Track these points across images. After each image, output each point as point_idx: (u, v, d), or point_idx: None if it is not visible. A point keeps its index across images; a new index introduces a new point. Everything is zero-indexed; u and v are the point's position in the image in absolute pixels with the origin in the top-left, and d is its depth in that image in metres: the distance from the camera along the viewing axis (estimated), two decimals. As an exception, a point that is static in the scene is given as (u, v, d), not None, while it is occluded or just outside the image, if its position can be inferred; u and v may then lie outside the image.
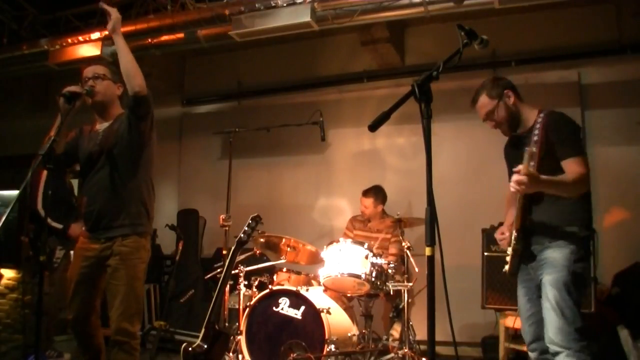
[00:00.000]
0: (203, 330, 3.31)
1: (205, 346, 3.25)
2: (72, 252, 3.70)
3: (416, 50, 5.44)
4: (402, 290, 3.72)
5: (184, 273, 5.34)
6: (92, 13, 5.24)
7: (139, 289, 2.66)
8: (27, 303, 4.21)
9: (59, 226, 3.93)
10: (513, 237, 2.43)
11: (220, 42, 4.84)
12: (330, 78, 5.70)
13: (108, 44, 5.01)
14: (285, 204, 5.74)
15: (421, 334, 4.11)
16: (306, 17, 4.18)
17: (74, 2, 5.30)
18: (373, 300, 4.02)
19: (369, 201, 4.53)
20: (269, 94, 5.97)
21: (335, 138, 5.51)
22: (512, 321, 3.79)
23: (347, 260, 3.68)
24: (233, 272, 3.67)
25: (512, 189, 2.20)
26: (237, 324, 3.76)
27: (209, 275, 4.28)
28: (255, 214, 3.60)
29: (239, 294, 3.79)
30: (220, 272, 3.62)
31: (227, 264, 3.51)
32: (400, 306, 3.83)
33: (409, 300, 3.77)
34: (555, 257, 2.33)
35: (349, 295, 3.96)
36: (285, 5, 4.28)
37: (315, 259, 4.14)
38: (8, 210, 2.25)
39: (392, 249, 4.39)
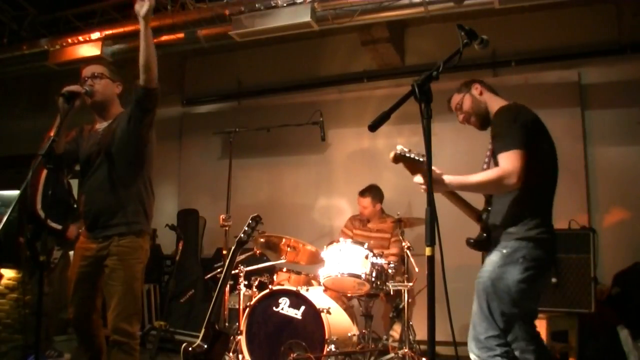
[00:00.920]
0: (203, 330, 3.31)
1: (205, 346, 3.25)
2: (70, 252, 3.71)
3: (416, 50, 5.44)
4: (402, 290, 3.72)
5: (184, 273, 5.34)
6: (92, 13, 5.25)
7: (137, 290, 2.64)
8: (27, 303, 4.22)
9: (58, 227, 3.91)
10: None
11: (220, 42, 4.84)
12: (330, 78, 5.70)
13: (108, 44, 5.01)
14: (285, 204, 5.74)
15: (421, 334, 4.10)
16: (306, 17, 4.19)
17: (74, 2, 5.30)
18: (373, 300, 4.02)
19: (367, 201, 4.53)
20: (269, 94, 5.97)
21: (335, 138, 5.51)
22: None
23: (347, 260, 3.68)
24: (233, 272, 3.67)
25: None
26: (237, 324, 3.76)
27: (209, 275, 4.28)
28: (255, 214, 3.60)
29: (239, 294, 3.79)
30: (220, 272, 3.62)
31: (227, 264, 3.51)
32: (400, 306, 3.83)
33: (409, 300, 3.77)
34: (486, 259, 2.27)
35: (349, 295, 3.96)
36: (285, 5, 4.28)
37: (315, 259, 4.14)
38: (9, 211, 2.24)
39: (392, 249, 4.39)
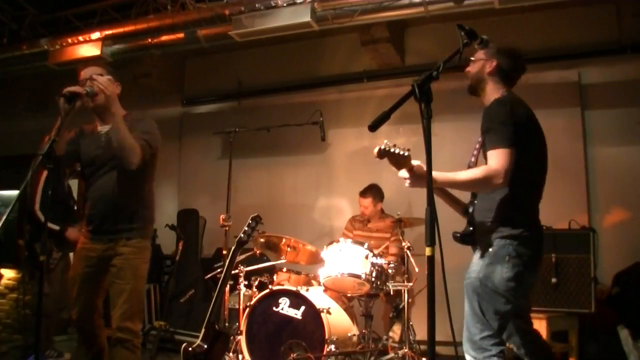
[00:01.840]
0: (203, 330, 3.31)
1: (205, 346, 3.25)
2: (71, 253, 3.71)
3: (416, 50, 5.43)
4: (402, 290, 3.72)
5: (184, 273, 5.34)
6: (92, 13, 5.25)
7: (141, 289, 2.72)
8: (26, 303, 4.22)
9: (56, 227, 3.90)
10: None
11: (220, 42, 4.84)
12: (330, 78, 5.70)
13: (108, 44, 5.01)
14: (285, 204, 5.73)
15: (421, 334, 4.10)
16: (306, 17, 4.19)
17: (74, 2, 5.30)
18: (373, 300, 4.02)
19: (368, 201, 4.53)
20: (269, 94, 5.96)
21: (335, 138, 5.51)
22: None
23: (347, 260, 3.68)
24: (233, 272, 3.67)
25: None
26: (237, 324, 3.76)
27: (209, 275, 4.28)
28: (255, 214, 3.60)
29: (239, 294, 3.79)
30: (220, 272, 3.62)
31: (227, 264, 3.51)
32: (400, 306, 3.83)
33: (409, 300, 3.77)
34: (473, 259, 2.27)
35: (349, 295, 3.95)
36: (285, 5, 4.28)
37: (315, 259, 4.14)
38: (8, 211, 2.25)
39: (392, 249, 4.39)
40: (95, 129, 2.82)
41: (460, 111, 4.31)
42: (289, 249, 4.10)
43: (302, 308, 3.57)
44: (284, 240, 4.09)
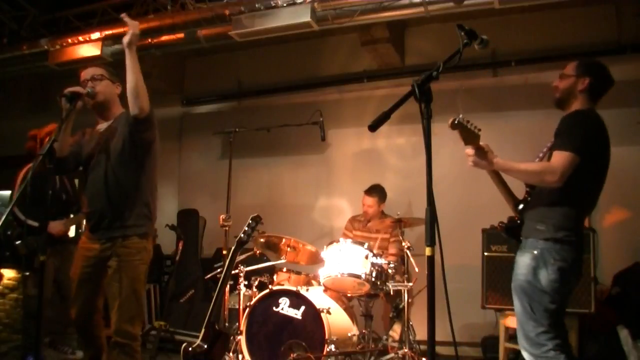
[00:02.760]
0: (203, 330, 3.31)
1: (205, 346, 3.25)
2: (71, 251, 3.69)
3: (416, 50, 5.43)
4: (402, 290, 3.72)
5: (184, 273, 5.34)
6: (92, 13, 5.24)
7: (139, 291, 2.65)
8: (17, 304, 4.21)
9: (35, 224, 3.78)
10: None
11: (220, 42, 4.84)
12: (330, 78, 5.70)
13: (108, 44, 5.01)
14: (285, 204, 5.74)
15: (421, 334, 4.10)
16: (306, 17, 4.18)
17: (74, 2, 5.30)
18: (373, 300, 4.02)
19: (373, 200, 4.52)
20: (269, 94, 5.97)
21: (335, 138, 5.51)
22: (512, 321, 3.79)
23: (347, 260, 3.68)
24: (233, 272, 3.67)
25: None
26: (237, 324, 3.76)
27: (209, 275, 4.28)
28: (255, 214, 3.59)
29: (239, 294, 3.79)
30: (220, 272, 3.62)
31: (227, 264, 3.51)
32: (400, 306, 3.83)
33: (409, 300, 3.77)
34: (518, 261, 2.33)
35: (349, 295, 3.95)
36: (285, 5, 4.28)
37: (315, 259, 4.14)
38: (7, 211, 2.25)
39: (392, 249, 4.39)
40: (96, 128, 2.83)
41: (460, 111, 4.31)
42: (289, 249, 4.10)
43: (302, 308, 3.57)
44: (284, 240, 4.09)
